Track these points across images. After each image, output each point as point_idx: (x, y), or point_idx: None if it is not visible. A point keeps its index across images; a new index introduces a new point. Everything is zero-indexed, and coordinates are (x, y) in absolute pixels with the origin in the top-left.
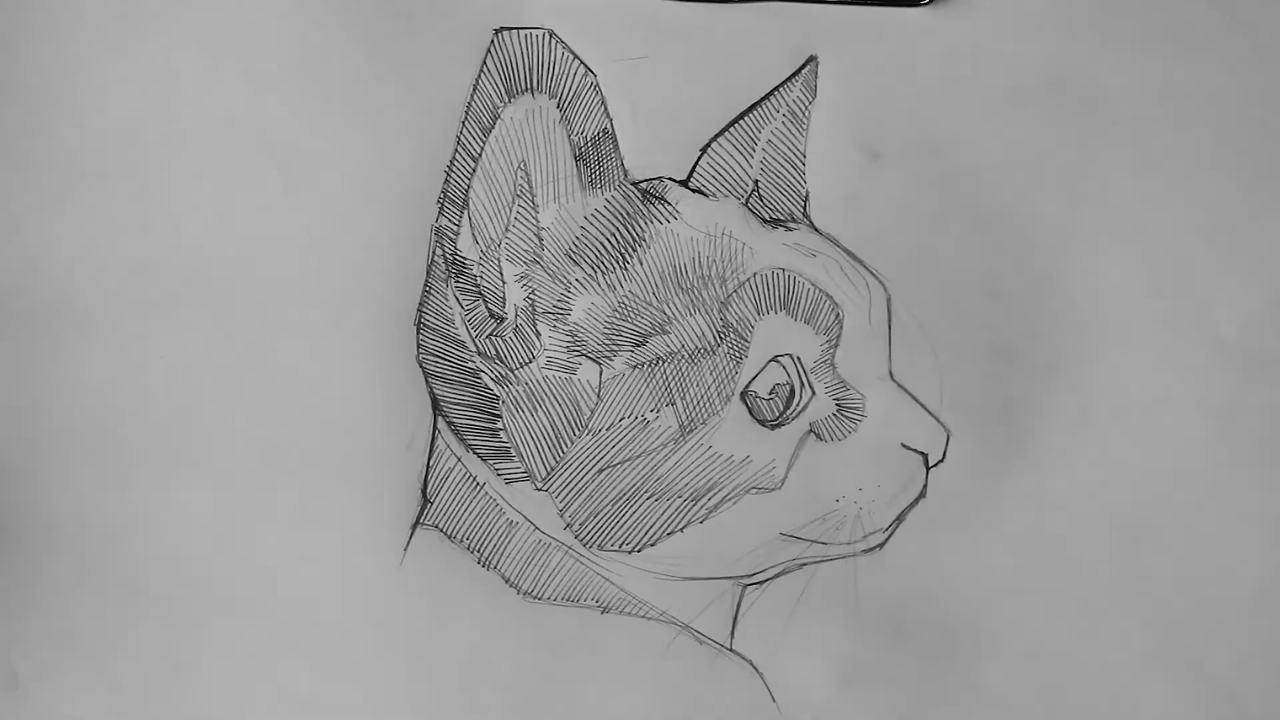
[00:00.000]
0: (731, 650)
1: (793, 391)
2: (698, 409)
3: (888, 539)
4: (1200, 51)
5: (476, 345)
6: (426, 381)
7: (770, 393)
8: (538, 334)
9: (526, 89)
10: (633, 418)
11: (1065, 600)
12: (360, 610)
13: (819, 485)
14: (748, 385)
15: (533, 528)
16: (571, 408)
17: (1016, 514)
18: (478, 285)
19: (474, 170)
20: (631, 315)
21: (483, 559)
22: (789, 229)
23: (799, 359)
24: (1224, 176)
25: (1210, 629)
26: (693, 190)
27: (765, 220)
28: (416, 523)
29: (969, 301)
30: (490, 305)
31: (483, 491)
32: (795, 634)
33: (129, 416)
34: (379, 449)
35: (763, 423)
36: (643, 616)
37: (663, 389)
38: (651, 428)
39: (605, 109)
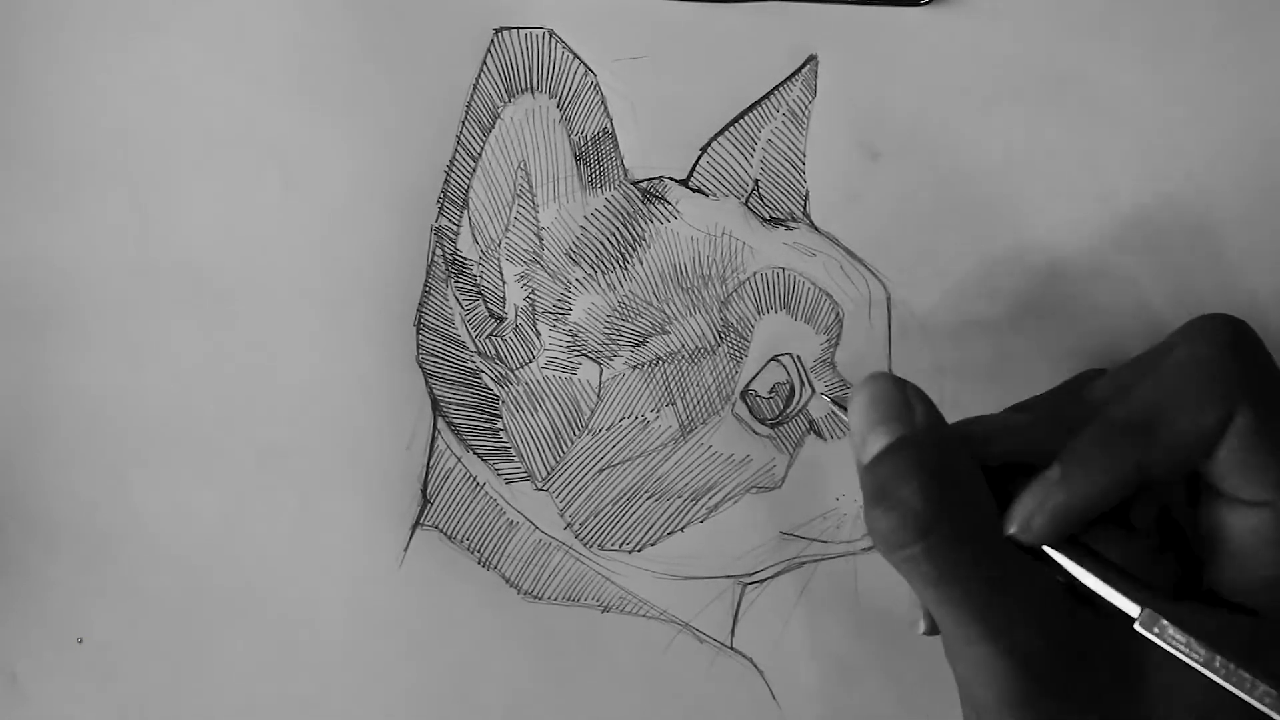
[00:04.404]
0: (732, 649)
1: (793, 390)
2: (698, 409)
3: None
4: (1200, 51)
5: (476, 345)
6: (426, 381)
7: (770, 392)
8: (538, 334)
9: (526, 88)
10: (633, 418)
11: None
12: (360, 610)
13: (819, 484)
14: (748, 385)
15: (533, 528)
16: (571, 408)
17: None
18: (478, 285)
19: (474, 170)
20: (631, 315)
21: (483, 559)
22: (789, 228)
23: (799, 358)
24: (1224, 176)
25: None
26: (693, 190)
27: (765, 219)
28: (416, 523)
29: (969, 301)
30: (490, 305)
31: (483, 491)
32: (795, 632)
33: (129, 416)
34: (379, 449)
35: (763, 421)
36: (643, 616)
37: (663, 389)
38: (652, 427)
39: (605, 109)
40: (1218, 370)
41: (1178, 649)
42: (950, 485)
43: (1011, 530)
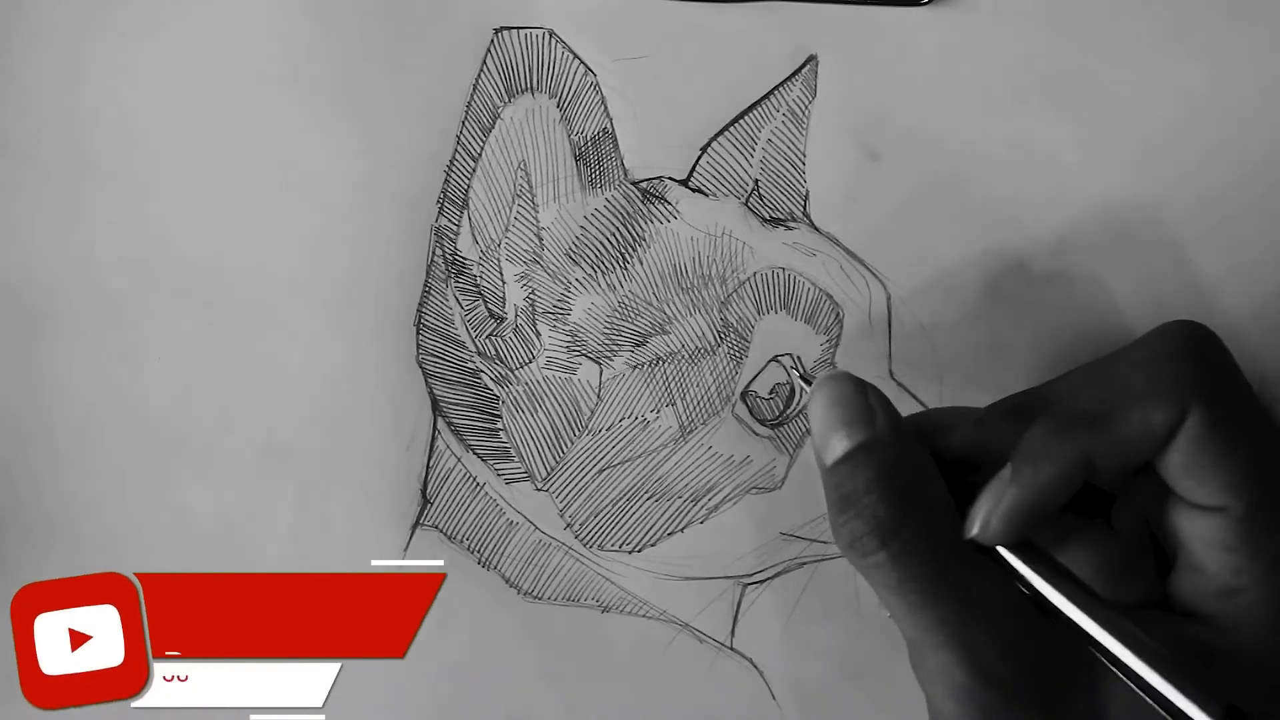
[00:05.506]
0: (732, 649)
1: (793, 391)
2: (698, 409)
3: None
4: (1200, 51)
5: (476, 345)
6: (426, 381)
7: (770, 392)
8: (538, 334)
9: (526, 89)
10: (633, 418)
11: None
12: None
13: (819, 485)
14: (748, 385)
15: (533, 528)
16: (571, 408)
17: None
18: (478, 285)
19: (474, 170)
20: (631, 315)
21: (483, 559)
22: (789, 228)
23: (799, 358)
24: (1224, 176)
25: None
26: (693, 190)
27: (765, 219)
28: (416, 523)
29: (969, 301)
30: (490, 305)
31: (483, 492)
32: (795, 633)
33: (129, 416)
34: (379, 449)
35: (763, 422)
36: (643, 616)
37: (663, 389)
38: (651, 428)
39: (605, 109)
40: (1173, 367)
41: (1109, 661)
42: (914, 491)
43: (973, 533)
